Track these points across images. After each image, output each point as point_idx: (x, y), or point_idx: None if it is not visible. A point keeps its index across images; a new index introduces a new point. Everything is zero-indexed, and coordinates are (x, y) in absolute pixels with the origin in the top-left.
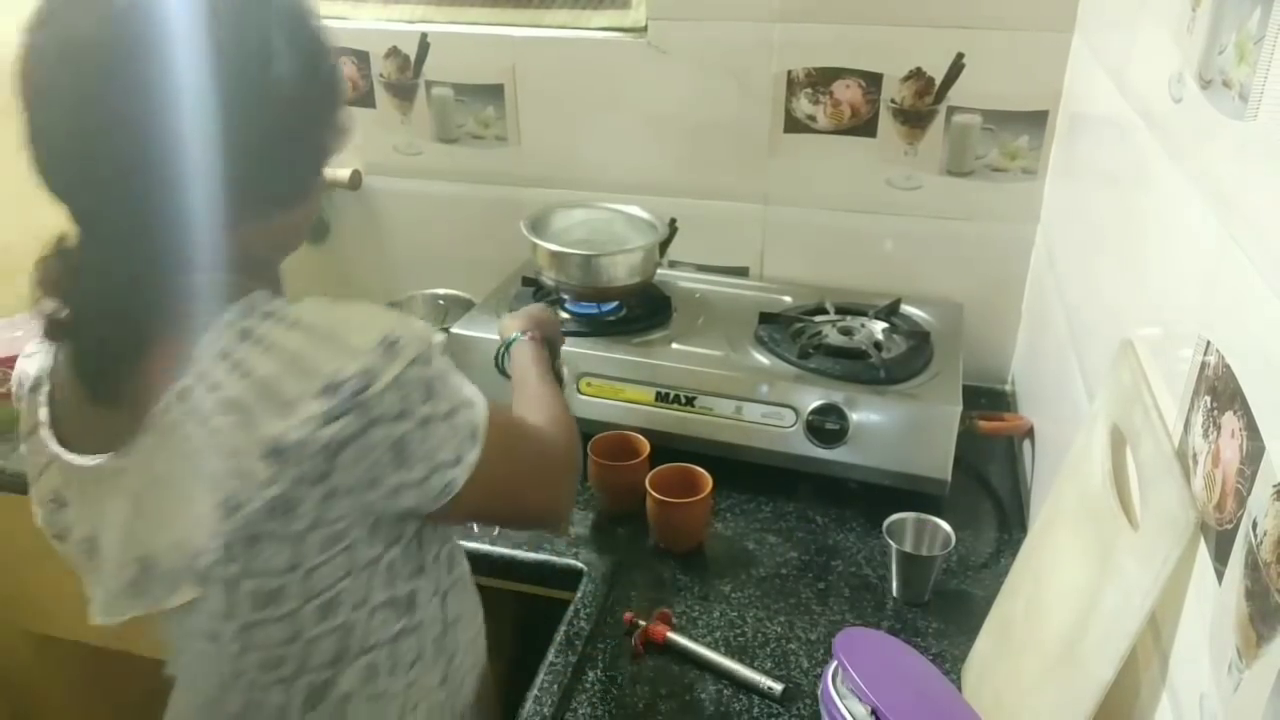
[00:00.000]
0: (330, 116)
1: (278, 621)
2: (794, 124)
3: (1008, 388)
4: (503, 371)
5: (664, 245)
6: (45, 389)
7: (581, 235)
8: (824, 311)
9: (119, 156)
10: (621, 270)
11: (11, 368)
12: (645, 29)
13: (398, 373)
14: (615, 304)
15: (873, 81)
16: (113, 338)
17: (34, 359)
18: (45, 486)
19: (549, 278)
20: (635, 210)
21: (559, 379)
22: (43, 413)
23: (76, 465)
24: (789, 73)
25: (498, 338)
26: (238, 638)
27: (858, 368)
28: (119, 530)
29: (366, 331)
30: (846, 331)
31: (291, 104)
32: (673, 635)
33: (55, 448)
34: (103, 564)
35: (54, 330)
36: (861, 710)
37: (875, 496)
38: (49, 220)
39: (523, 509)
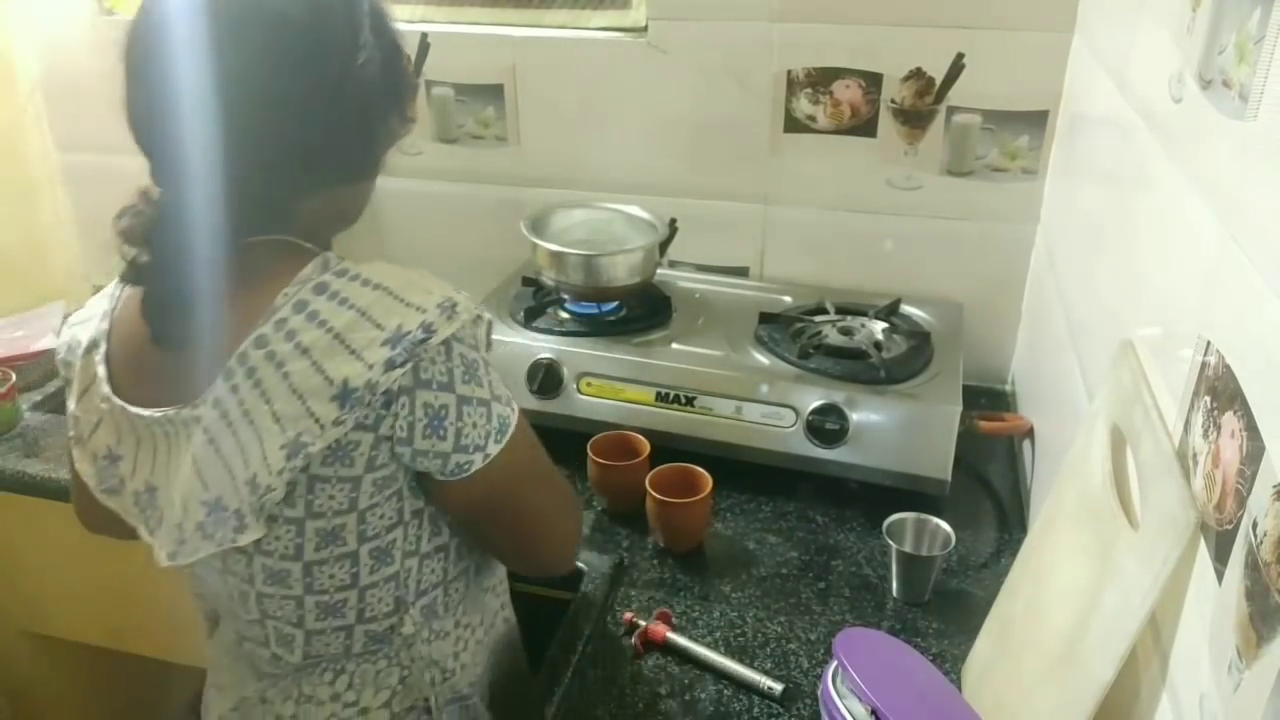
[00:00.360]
0: (399, 106)
1: (338, 561)
2: (794, 124)
3: (1008, 388)
4: None
5: (664, 245)
6: (102, 349)
7: (581, 235)
8: (824, 311)
9: (208, 118)
10: (621, 270)
11: (11, 367)
12: (645, 29)
13: (452, 332)
14: (615, 304)
15: (873, 81)
16: (188, 282)
17: (87, 325)
18: (98, 442)
19: (549, 278)
20: (635, 210)
21: None
22: (101, 370)
23: (144, 417)
24: (789, 73)
25: (498, 338)
26: (301, 579)
27: (858, 368)
28: (188, 476)
29: (429, 293)
30: (846, 331)
31: (368, 92)
32: (673, 635)
33: (118, 401)
34: (166, 511)
35: (133, 274)
36: (861, 710)
37: (875, 496)
38: (47, 223)
39: (523, 526)
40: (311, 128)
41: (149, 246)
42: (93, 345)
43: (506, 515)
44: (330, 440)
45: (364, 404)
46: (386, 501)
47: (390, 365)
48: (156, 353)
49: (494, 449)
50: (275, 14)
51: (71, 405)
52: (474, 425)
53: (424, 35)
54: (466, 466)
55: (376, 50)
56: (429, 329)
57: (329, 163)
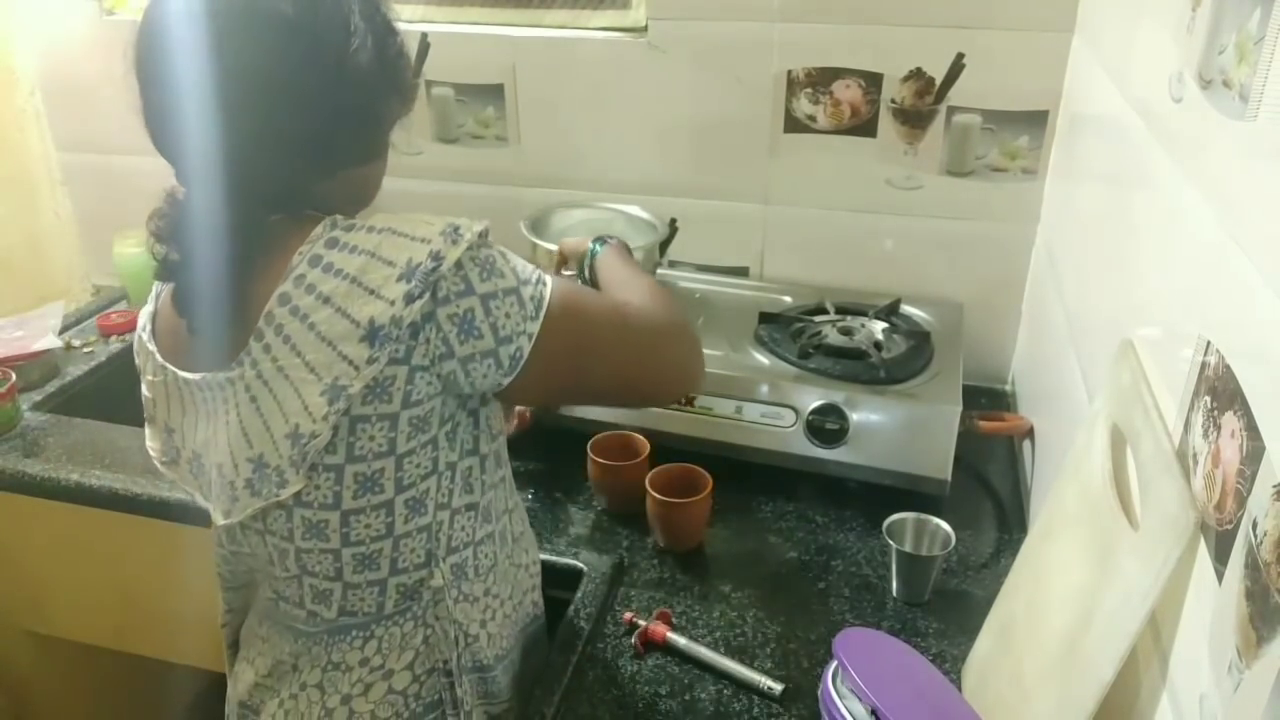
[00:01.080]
0: (398, 86)
1: (375, 511)
2: (794, 124)
3: (1008, 388)
4: (593, 284)
5: (664, 245)
6: (149, 328)
7: (581, 235)
8: (824, 311)
9: (217, 117)
10: None
11: (11, 367)
12: (645, 29)
13: (460, 254)
14: None
15: (873, 81)
16: (213, 274)
17: (144, 313)
18: (159, 417)
19: None
20: (635, 210)
21: None
22: (151, 345)
23: (189, 381)
24: (789, 73)
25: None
26: (339, 529)
27: (858, 368)
28: (236, 435)
29: (431, 225)
30: (846, 331)
31: (365, 78)
32: (673, 635)
33: (171, 369)
34: (214, 473)
35: (165, 272)
36: (861, 710)
37: (875, 496)
38: (47, 223)
39: (611, 381)
40: (316, 117)
41: (176, 245)
42: (143, 329)
43: (592, 376)
44: (367, 379)
45: (393, 339)
46: (422, 449)
47: (409, 298)
48: (193, 338)
49: (534, 327)
50: (271, 13)
51: (143, 388)
52: (507, 315)
53: (424, 35)
54: (519, 355)
55: (368, 35)
56: (438, 257)
57: (336, 148)
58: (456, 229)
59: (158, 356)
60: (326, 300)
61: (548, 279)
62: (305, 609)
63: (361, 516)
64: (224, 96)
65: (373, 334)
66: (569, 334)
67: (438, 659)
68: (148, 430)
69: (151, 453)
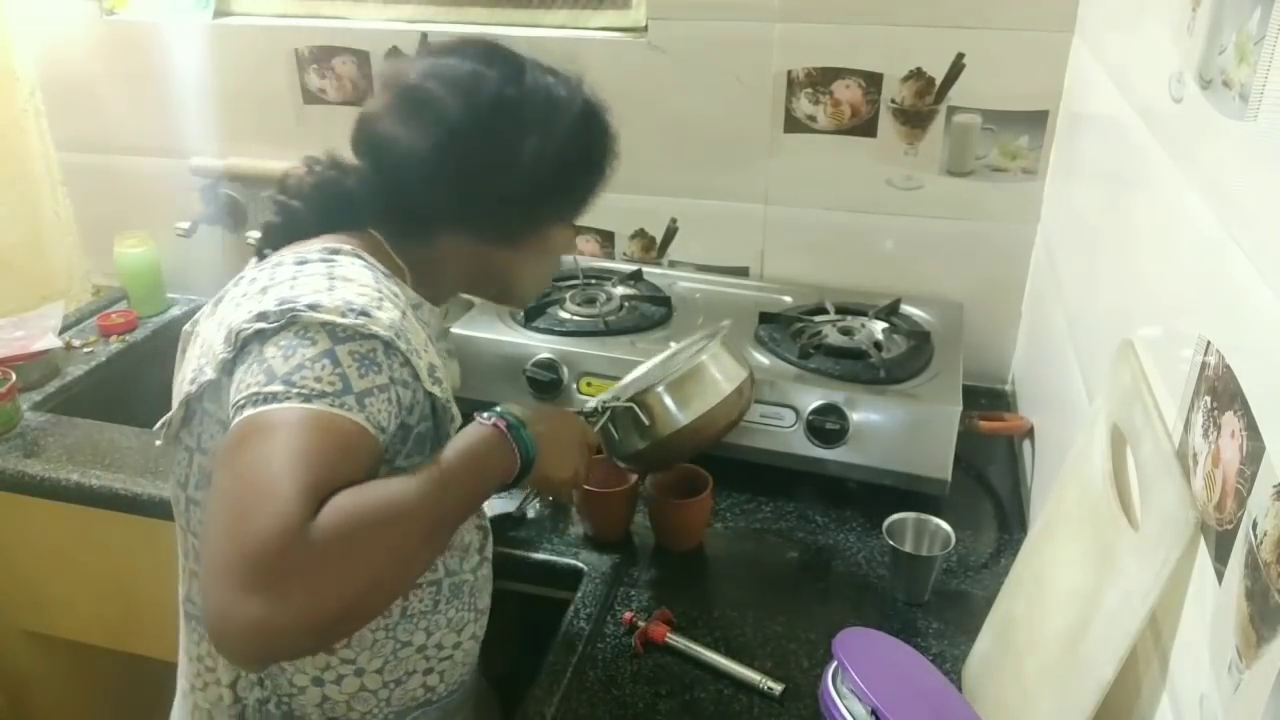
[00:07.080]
0: (562, 199)
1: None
2: (794, 124)
3: (1008, 388)
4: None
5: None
6: None
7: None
8: (824, 311)
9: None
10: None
11: (11, 367)
12: (645, 29)
13: (314, 318)
14: (615, 304)
15: (873, 81)
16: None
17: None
18: None
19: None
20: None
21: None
22: None
23: None
24: (789, 73)
25: (498, 338)
26: (184, 513)
27: (858, 368)
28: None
29: (359, 296)
30: (846, 331)
31: (535, 172)
32: (673, 635)
33: None
34: None
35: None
36: (861, 710)
37: (875, 496)
38: (47, 223)
39: (209, 541)
40: (474, 170)
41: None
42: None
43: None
44: (220, 374)
45: (235, 347)
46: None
47: (261, 318)
48: None
49: (243, 414)
50: (486, 81)
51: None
52: (244, 384)
53: (424, 35)
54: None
55: (561, 146)
56: (315, 307)
57: (470, 206)
58: (357, 311)
59: None
60: (245, 295)
61: (294, 401)
62: (183, 586)
63: (198, 510)
64: (420, 123)
65: (233, 335)
66: (226, 454)
67: (239, 678)
68: None
69: None
